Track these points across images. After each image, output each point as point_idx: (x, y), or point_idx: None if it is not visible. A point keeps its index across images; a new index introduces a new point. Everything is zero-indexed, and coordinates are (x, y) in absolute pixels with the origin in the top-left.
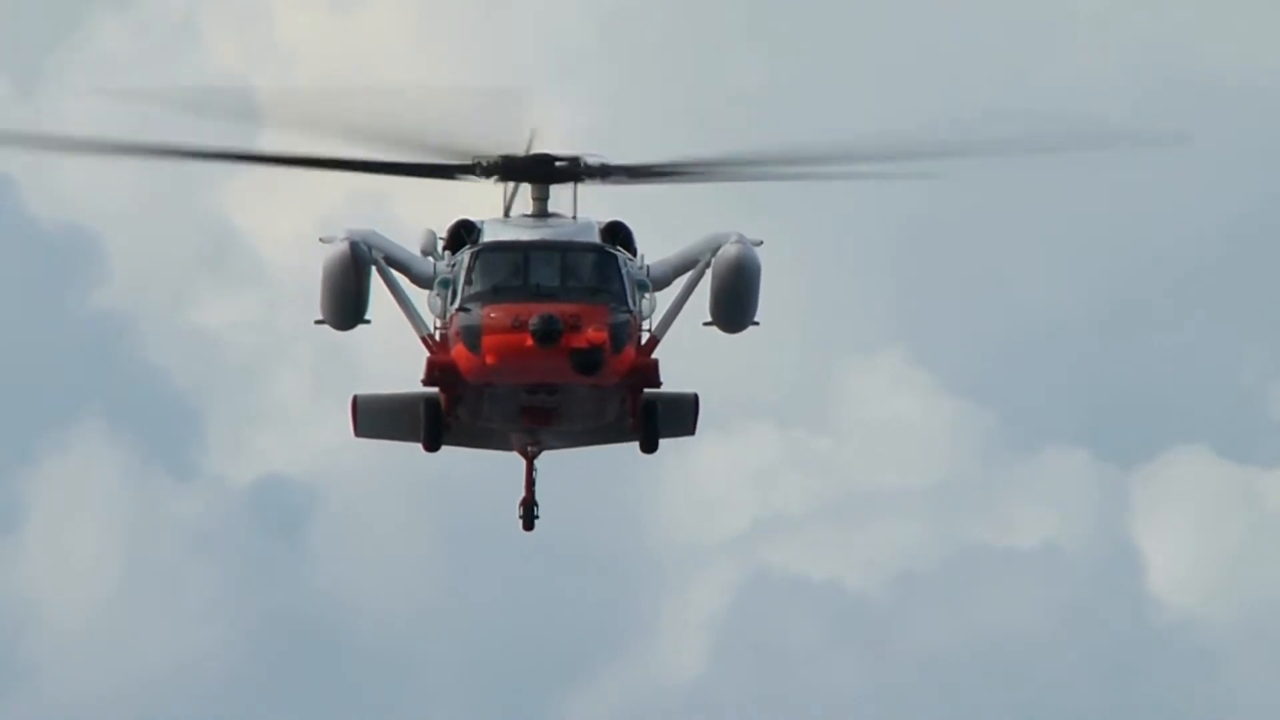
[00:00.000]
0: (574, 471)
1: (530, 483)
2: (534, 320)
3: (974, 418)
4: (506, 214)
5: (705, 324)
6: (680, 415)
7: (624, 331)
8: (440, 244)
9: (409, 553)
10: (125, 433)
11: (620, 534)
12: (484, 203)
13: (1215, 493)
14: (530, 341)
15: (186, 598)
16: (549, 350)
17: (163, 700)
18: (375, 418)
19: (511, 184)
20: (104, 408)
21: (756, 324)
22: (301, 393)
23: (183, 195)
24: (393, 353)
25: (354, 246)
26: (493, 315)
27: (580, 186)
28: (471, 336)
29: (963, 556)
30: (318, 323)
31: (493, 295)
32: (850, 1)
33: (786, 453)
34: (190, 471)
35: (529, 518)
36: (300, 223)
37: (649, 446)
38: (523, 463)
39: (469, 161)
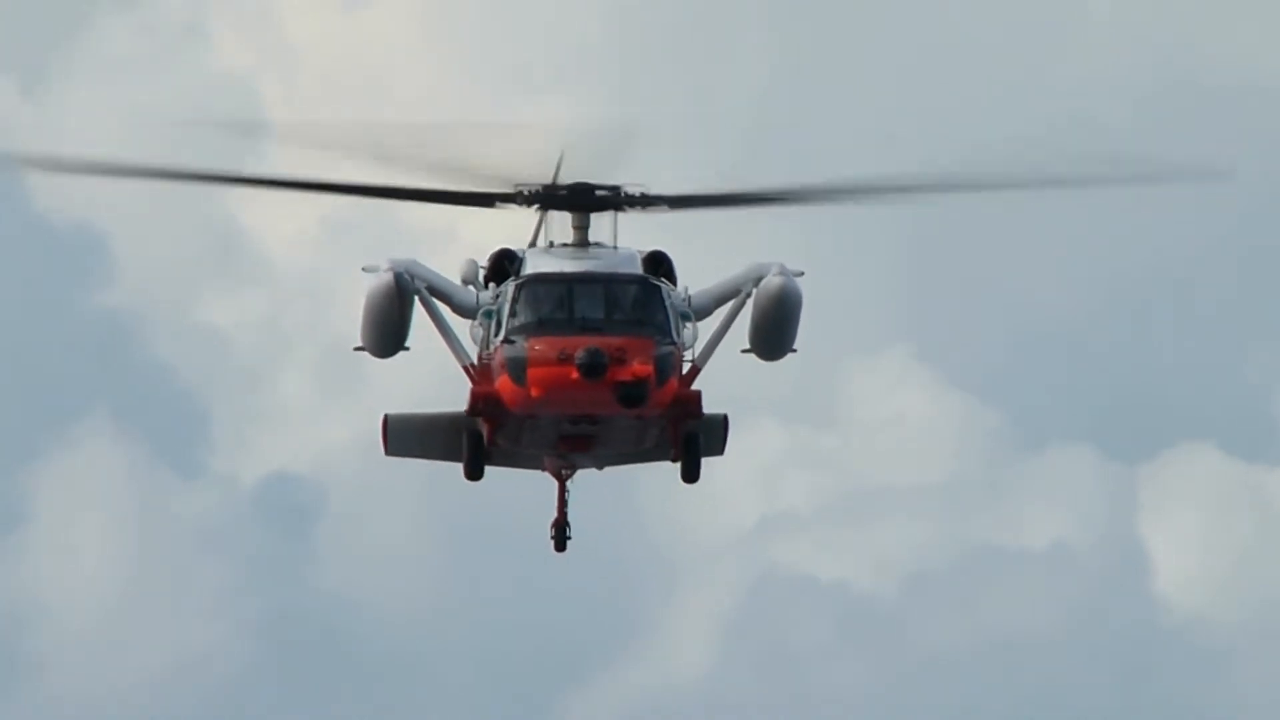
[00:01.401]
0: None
1: (563, 503)
2: (580, 354)
3: (983, 417)
4: (533, 243)
5: (743, 351)
6: (710, 435)
7: (668, 364)
8: (481, 273)
9: (430, 561)
10: (133, 431)
11: (638, 537)
12: (486, 212)
13: (1226, 492)
14: (576, 374)
15: (203, 598)
16: (594, 383)
17: (173, 698)
18: (407, 437)
19: (545, 213)
20: (109, 406)
21: (794, 351)
22: (308, 392)
23: (189, 194)
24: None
25: (398, 278)
26: (538, 348)
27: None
28: (516, 368)
29: (976, 556)
30: (356, 349)
31: (538, 327)
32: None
33: (798, 453)
34: (197, 471)
35: (561, 538)
36: (304, 222)
37: (691, 476)
38: (554, 483)
39: (509, 190)
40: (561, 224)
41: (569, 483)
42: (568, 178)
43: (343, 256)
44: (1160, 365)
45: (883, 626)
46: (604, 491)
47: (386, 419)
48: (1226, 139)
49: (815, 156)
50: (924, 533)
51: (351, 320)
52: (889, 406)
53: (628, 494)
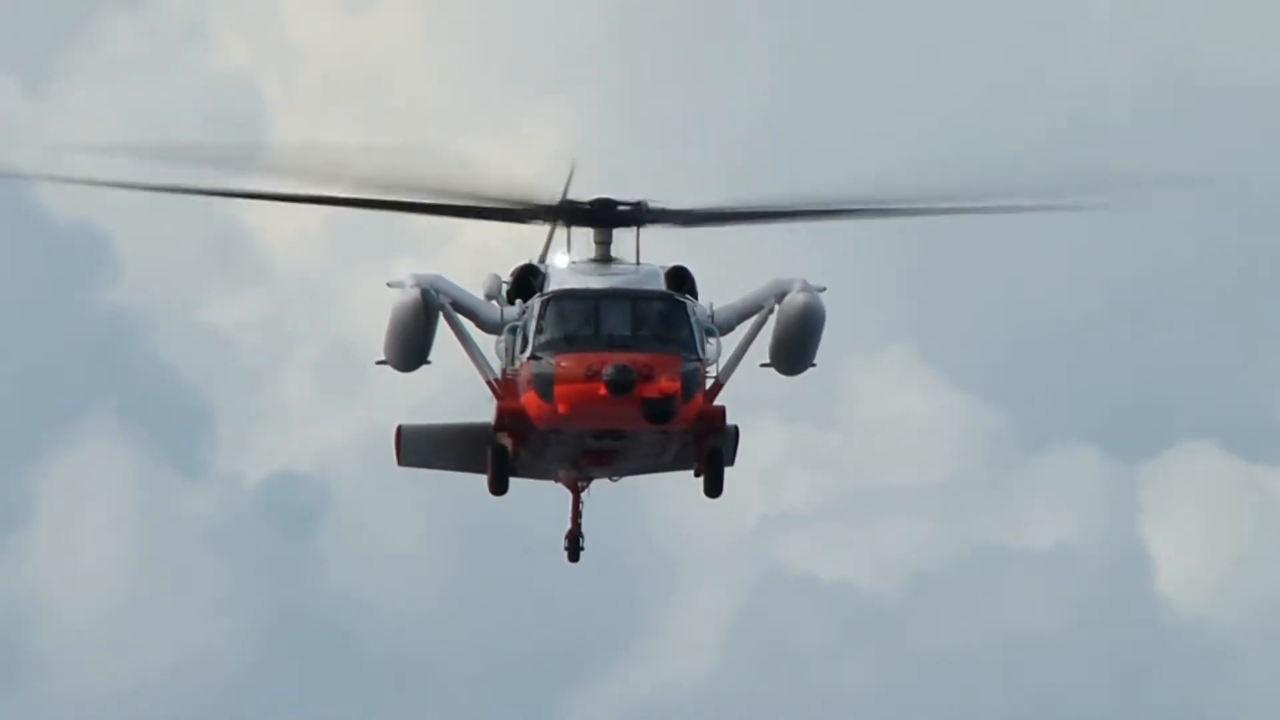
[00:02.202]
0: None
1: (577, 515)
2: (608, 370)
3: (989, 417)
4: (544, 255)
5: (763, 365)
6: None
7: (694, 380)
8: (505, 288)
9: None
10: (137, 430)
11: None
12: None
13: (1230, 492)
14: (603, 391)
15: (212, 598)
16: (622, 400)
17: (175, 697)
18: (420, 448)
19: (555, 226)
20: (112, 405)
21: (814, 365)
22: (316, 394)
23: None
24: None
25: (425, 294)
26: (564, 364)
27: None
28: (543, 385)
29: (982, 556)
30: (379, 363)
31: (564, 344)
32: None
33: (802, 454)
34: (201, 471)
35: (574, 549)
36: (306, 221)
37: (714, 491)
38: (568, 493)
39: (532, 205)
40: (566, 235)
41: (583, 495)
42: (587, 193)
43: (346, 256)
44: (1162, 365)
45: (896, 627)
46: (613, 496)
47: (400, 430)
48: (1228, 141)
49: (822, 165)
50: (931, 533)
51: (356, 320)
52: (892, 407)
53: (637, 498)
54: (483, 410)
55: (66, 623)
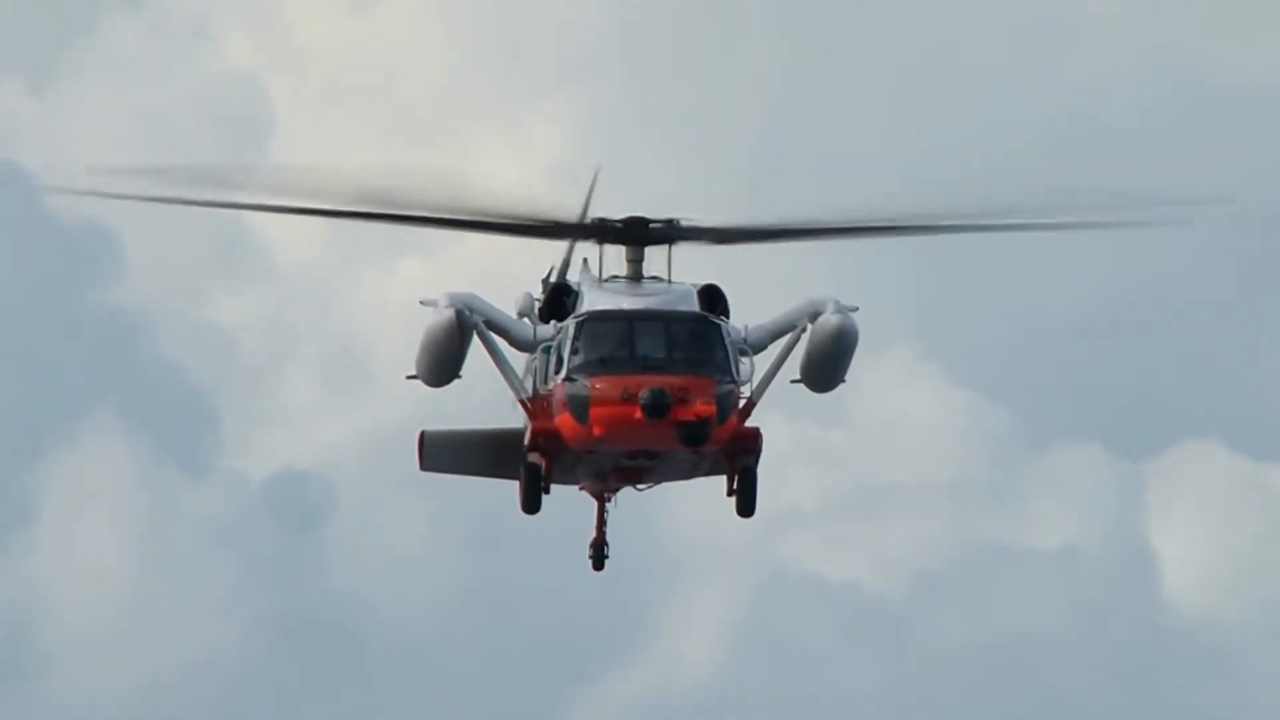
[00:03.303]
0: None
1: (601, 523)
2: (644, 394)
3: (990, 416)
4: (564, 269)
5: (793, 381)
6: None
7: (729, 402)
8: (537, 306)
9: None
10: (143, 430)
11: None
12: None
13: (1235, 490)
14: (639, 414)
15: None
16: (657, 423)
17: (176, 696)
18: (443, 453)
19: (574, 241)
20: (118, 404)
21: (844, 382)
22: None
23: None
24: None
25: (459, 314)
26: (600, 386)
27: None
28: (579, 407)
29: (991, 556)
30: (410, 378)
31: (600, 366)
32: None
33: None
34: (206, 469)
35: (599, 558)
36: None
37: (747, 511)
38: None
39: (563, 223)
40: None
41: (609, 504)
42: (607, 205)
43: (350, 257)
44: (1167, 364)
45: (906, 627)
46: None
47: (423, 435)
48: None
49: (838, 177)
50: (941, 533)
51: (362, 322)
52: (896, 407)
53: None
54: (496, 414)
55: (72, 620)
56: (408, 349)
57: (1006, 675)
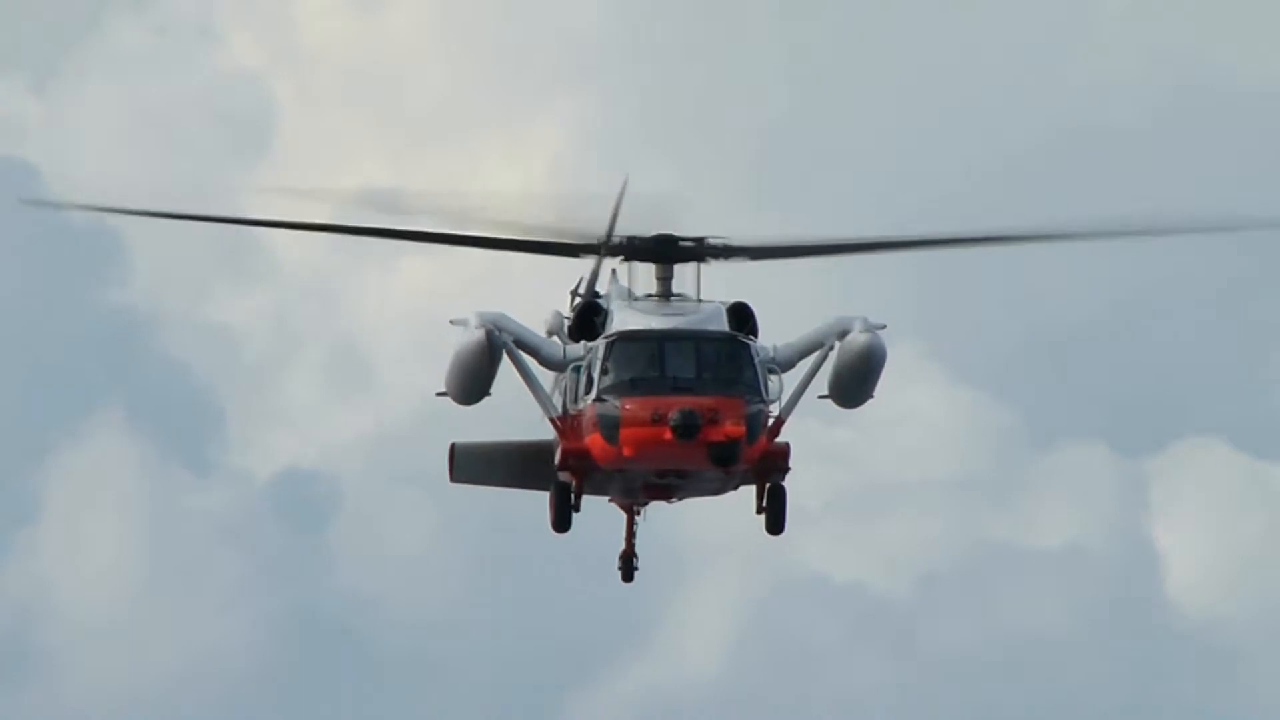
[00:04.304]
0: None
1: (631, 535)
2: (674, 415)
3: (993, 414)
4: (592, 286)
5: (821, 397)
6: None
7: (758, 422)
8: (566, 324)
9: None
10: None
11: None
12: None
13: (1239, 488)
14: (669, 435)
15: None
16: (688, 444)
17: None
18: (473, 465)
19: (600, 259)
20: (124, 403)
21: (871, 398)
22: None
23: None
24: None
25: (490, 335)
26: (630, 407)
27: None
28: (609, 427)
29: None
30: (439, 394)
31: (630, 387)
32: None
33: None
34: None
35: (628, 570)
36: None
37: (776, 529)
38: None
39: (592, 241)
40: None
41: (638, 517)
42: (649, 228)
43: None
44: (1170, 363)
45: (913, 627)
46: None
47: (453, 447)
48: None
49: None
50: (948, 532)
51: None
52: (902, 406)
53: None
54: (519, 424)
55: (82, 618)
56: (413, 349)
57: (1018, 675)
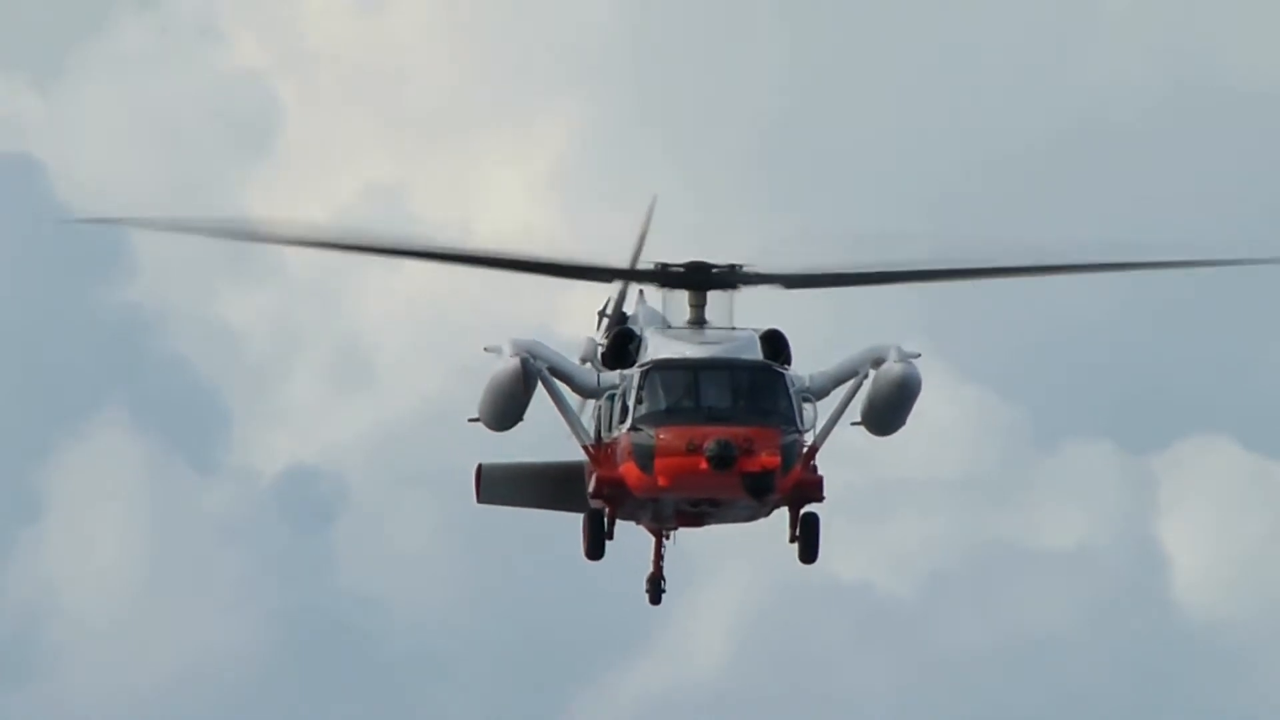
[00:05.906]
0: None
1: (659, 558)
2: (709, 446)
3: (999, 413)
4: (620, 309)
5: (854, 424)
6: None
7: (793, 452)
8: (600, 351)
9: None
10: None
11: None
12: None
13: (1246, 487)
14: (704, 465)
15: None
16: (723, 474)
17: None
18: (500, 486)
19: (627, 283)
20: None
21: (904, 426)
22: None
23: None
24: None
25: (525, 364)
26: (664, 437)
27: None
28: (644, 457)
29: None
30: (471, 420)
31: (665, 416)
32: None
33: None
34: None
35: (656, 592)
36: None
37: (809, 558)
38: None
39: (625, 267)
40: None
41: (667, 540)
42: (681, 255)
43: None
44: (1174, 362)
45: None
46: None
47: (480, 468)
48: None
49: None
50: (956, 532)
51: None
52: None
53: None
54: (542, 444)
55: (83, 617)
56: (421, 348)
57: (1025, 675)
